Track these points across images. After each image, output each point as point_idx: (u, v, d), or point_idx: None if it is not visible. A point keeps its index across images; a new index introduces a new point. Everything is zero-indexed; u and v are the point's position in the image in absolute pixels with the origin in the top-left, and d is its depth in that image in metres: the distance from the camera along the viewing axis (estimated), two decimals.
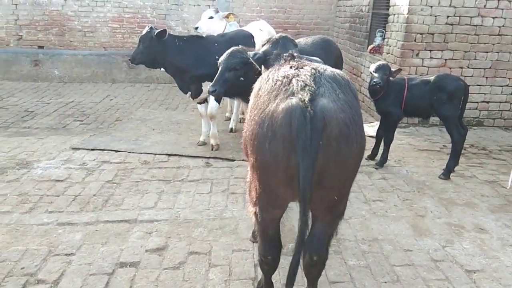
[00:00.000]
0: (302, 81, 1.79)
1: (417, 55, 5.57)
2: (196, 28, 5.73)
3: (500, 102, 5.84)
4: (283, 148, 1.73)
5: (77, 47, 8.84)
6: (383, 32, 6.70)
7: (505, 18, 5.43)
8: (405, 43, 5.52)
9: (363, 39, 7.20)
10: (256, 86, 2.11)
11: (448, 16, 5.42)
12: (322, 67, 1.97)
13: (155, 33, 4.37)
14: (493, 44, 5.54)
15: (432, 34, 5.48)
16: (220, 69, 3.44)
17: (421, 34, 5.48)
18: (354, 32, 7.61)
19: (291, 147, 1.70)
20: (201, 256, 2.87)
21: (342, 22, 8.39)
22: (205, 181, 4.07)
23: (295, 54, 2.45)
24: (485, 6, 5.38)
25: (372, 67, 4.15)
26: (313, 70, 1.88)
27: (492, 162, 4.70)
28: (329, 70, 1.94)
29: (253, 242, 3.02)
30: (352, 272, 2.70)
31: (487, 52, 5.58)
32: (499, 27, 5.48)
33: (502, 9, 5.41)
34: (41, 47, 8.77)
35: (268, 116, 1.76)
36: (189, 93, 4.74)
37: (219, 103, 4.79)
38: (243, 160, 4.53)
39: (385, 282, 2.62)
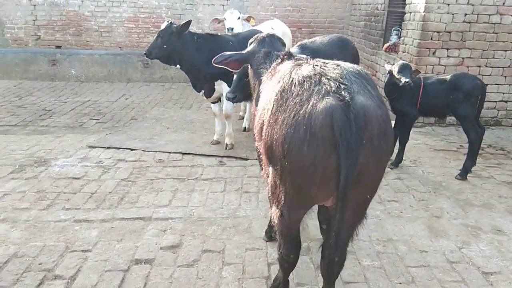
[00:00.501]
0: (334, 79, 1.77)
1: (433, 53, 5.49)
2: (232, 29, 5.68)
3: None
4: (324, 150, 1.71)
5: (93, 47, 8.98)
6: (398, 31, 6.61)
7: None
8: (422, 41, 5.45)
9: (378, 38, 7.13)
10: (270, 88, 2.08)
11: (465, 14, 5.32)
12: (343, 63, 1.95)
13: (175, 28, 4.39)
14: (511, 42, 5.42)
15: (449, 32, 5.39)
16: (237, 74, 3.46)
17: (438, 32, 5.39)
18: (370, 30, 7.55)
19: (332, 148, 1.69)
20: (215, 254, 2.89)
21: (357, 21, 8.32)
22: (218, 179, 4.09)
23: (292, 53, 2.46)
24: (504, 3, 5.27)
25: (396, 67, 4.06)
26: (338, 67, 1.86)
27: (510, 163, 4.60)
28: (351, 65, 1.92)
29: (267, 241, 3.03)
30: (367, 273, 2.68)
31: (505, 50, 5.46)
32: None
33: None
34: (58, 47, 8.94)
35: (304, 118, 1.72)
36: (202, 91, 4.77)
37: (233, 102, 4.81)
38: (256, 159, 4.55)
39: (400, 283, 2.60)
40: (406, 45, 5.84)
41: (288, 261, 2.21)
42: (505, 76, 5.57)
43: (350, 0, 8.77)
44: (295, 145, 1.74)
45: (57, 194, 3.69)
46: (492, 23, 5.36)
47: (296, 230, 2.12)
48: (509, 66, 5.51)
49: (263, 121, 2.04)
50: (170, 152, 4.77)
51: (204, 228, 3.21)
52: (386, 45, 6.71)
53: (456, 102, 3.98)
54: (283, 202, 1.94)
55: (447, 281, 2.62)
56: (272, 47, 2.80)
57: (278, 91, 1.91)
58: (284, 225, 2.04)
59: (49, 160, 4.42)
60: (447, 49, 5.48)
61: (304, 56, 2.37)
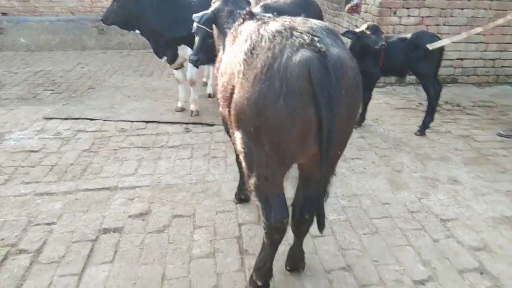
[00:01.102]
0: (306, 32, 1.71)
1: (394, 13, 5.54)
2: None
3: (474, 59, 5.93)
4: (302, 102, 1.65)
5: (43, 13, 8.39)
6: None
7: None
8: (383, 1, 5.47)
9: None
10: (236, 49, 2.00)
11: None
12: (311, 19, 1.90)
13: None
14: (469, 1, 5.55)
15: None
16: (199, 35, 3.34)
17: None
18: None
19: (309, 100, 1.65)
20: (185, 218, 2.89)
21: None
22: (185, 146, 4.04)
23: (254, 13, 2.39)
24: None
25: (367, 29, 4.01)
26: (307, 22, 1.80)
27: (466, 118, 4.82)
28: (318, 21, 1.87)
29: (237, 203, 3.06)
30: (333, 226, 2.78)
31: (462, 9, 5.59)
32: None
33: None
34: (4, 14, 8.28)
35: (279, 71, 1.66)
36: (165, 58, 4.61)
37: (197, 67, 4.69)
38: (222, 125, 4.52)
39: (365, 234, 2.72)
40: (368, 5, 5.84)
41: (280, 229, 2.01)
42: None
43: None
44: (270, 100, 1.67)
45: (15, 168, 3.53)
46: None
47: (283, 190, 2.01)
48: (466, 24, 5.65)
49: (232, 85, 1.97)
50: (132, 121, 4.63)
51: (173, 194, 3.19)
52: (348, 6, 6.67)
53: (416, 60, 4.06)
54: (264, 165, 1.86)
55: (408, 229, 2.77)
56: (236, 6, 2.71)
57: (247, 49, 1.83)
58: (270, 189, 1.95)
59: (3, 134, 4.19)
60: (408, 8, 5.54)
61: (268, 15, 2.30)
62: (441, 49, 4.13)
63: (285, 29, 1.77)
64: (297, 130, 1.72)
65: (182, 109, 4.96)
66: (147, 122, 4.63)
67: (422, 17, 5.60)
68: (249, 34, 1.93)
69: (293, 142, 1.76)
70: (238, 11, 2.63)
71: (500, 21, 4.10)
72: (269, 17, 2.15)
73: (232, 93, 1.96)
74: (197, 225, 2.82)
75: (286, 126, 1.70)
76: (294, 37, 1.71)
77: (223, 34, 2.67)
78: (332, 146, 1.71)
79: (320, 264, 2.44)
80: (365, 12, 5.92)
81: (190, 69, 4.63)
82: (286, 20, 1.88)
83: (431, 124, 4.35)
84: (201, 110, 4.91)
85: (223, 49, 2.53)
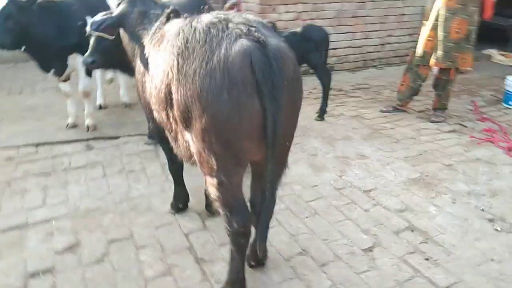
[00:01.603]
0: (242, 23, 1.69)
1: (274, 10, 5.87)
2: None
3: (345, 48, 6.65)
4: (246, 94, 1.61)
5: None
6: None
7: None
8: None
9: None
10: (166, 47, 1.90)
11: None
12: (239, 13, 1.89)
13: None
14: None
15: None
16: (94, 37, 3.06)
17: None
18: None
19: (253, 91, 1.61)
20: (124, 241, 2.64)
21: None
22: (93, 165, 3.66)
23: (179, 10, 2.33)
24: None
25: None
26: (240, 14, 1.80)
27: (351, 100, 5.41)
28: (249, 15, 1.88)
29: (175, 213, 2.92)
30: (277, 216, 2.86)
31: (331, 3, 6.22)
32: None
33: None
34: None
35: (220, 63, 1.60)
36: (53, 70, 4.06)
37: (91, 77, 4.27)
38: (128, 136, 4.23)
39: (306, 217, 2.87)
40: (248, 3, 6.07)
41: (244, 233, 1.95)
42: (333, 26, 6.35)
43: None
44: (214, 94, 1.61)
45: None
46: None
47: (241, 193, 1.92)
48: (335, 17, 6.30)
49: (166, 84, 1.86)
50: (19, 146, 4.01)
51: (98, 219, 2.88)
52: (226, 5, 6.82)
53: (309, 52, 4.39)
54: (216, 167, 1.77)
55: (341, 205, 3.02)
56: (145, 6, 2.57)
57: (181, 43, 1.75)
58: (228, 192, 1.85)
59: None
60: (286, 4, 5.93)
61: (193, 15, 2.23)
62: (328, 40, 4.54)
63: (220, 21, 1.74)
64: (246, 124, 1.67)
65: (75, 125, 4.47)
66: (37, 145, 4.06)
67: (299, 12, 6.06)
68: (179, 28, 1.85)
69: (243, 137, 1.72)
70: (153, 11, 2.51)
71: None
72: (197, 15, 2.10)
73: (169, 93, 1.86)
74: (139, 246, 2.60)
75: (234, 121, 1.65)
76: (230, 28, 1.68)
77: (136, 37, 2.51)
78: (278, 138, 1.69)
79: (278, 253, 2.51)
80: (247, 10, 6.14)
81: (82, 80, 4.19)
82: (218, 13, 1.86)
83: (327, 109, 4.77)
84: (97, 123, 4.49)
85: (141, 52, 2.38)
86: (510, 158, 3.71)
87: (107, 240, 2.65)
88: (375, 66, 6.95)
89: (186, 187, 2.94)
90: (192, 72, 1.66)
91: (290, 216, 2.89)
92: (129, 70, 3.53)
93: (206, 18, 1.79)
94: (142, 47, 2.38)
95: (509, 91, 5.11)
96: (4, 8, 3.54)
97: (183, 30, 1.80)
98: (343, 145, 4.02)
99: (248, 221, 1.94)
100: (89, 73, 4.17)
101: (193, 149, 1.85)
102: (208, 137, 1.71)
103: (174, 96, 1.78)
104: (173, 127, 2.01)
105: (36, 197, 3.15)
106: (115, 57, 3.13)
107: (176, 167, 2.78)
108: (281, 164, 2.01)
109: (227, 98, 1.61)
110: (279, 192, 3.11)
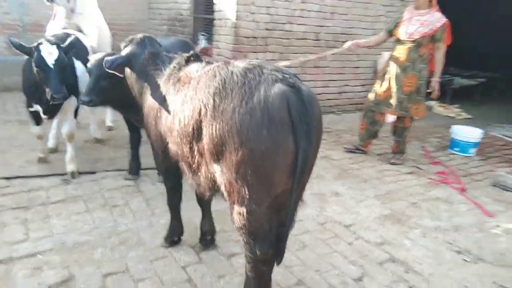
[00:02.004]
0: (276, 70, 1.89)
1: (245, 56, 6.24)
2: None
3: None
4: (283, 133, 1.78)
5: None
6: (205, 35, 7.16)
7: (306, 25, 6.67)
8: (235, 45, 6.11)
9: None
10: (199, 85, 2.06)
11: (267, 23, 6.27)
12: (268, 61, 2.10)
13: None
14: (300, 46, 6.74)
15: (256, 38, 6.25)
16: (93, 76, 3.19)
17: (247, 37, 6.16)
18: (175, 35, 7.80)
19: (289, 130, 1.78)
20: (120, 275, 2.62)
21: (159, 25, 8.45)
22: (74, 199, 3.58)
23: (199, 55, 2.54)
24: (292, 15, 6.48)
25: None
26: (268, 63, 2.02)
27: (333, 139, 5.77)
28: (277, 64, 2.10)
29: (168, 247, 2.94)
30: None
31: (296, 53, 6.73)
32: (303, 32, 6.69)
33: (304, 17, 6.62)
34: None
35: (260, 103, 1.77)
36: (38, 107, 3.82)
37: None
38: (105, 171, 4.19)
39: (297, 250, 3.02)
40: (220, 49, 6.40)
41: (266, 261, 2.06)
42: (297, 74, 6.81)
43: (147, 4, 8.79)
44: (254, 130, 1.77)
45: None
46: (286, 31, 6.51)
47: (267, 222, 2.02)
48: (298, 67, 6.80)
49: (196, 119, 2.01)
50: None
51: (89, 253, 2.82)
52: (197, 49, 7.13)
53: None
54: (248, 196, 1.88)
55: (326, 239, 3.21)
56: (155, 48, 2.76)
57: (218, 84, 1.92)
58: (256, 221, 1.95)
59: None
60: (255, 52, 6.33)
61: (211, 58, 2.44)
62: None
63: (254, 67, 1.94)
64: (281, 159, 1.83)
65: (45, 160, 4.33)
66: (8, 178, 3.88)
67: (267, 60, 6.48)
68: (214, 71, 2.03)
69: (277, 171, 1.86)
70: (165, 54, 2.70)
71: (334, 50, 5.25)
72: (218, 60, 2.31)
73: (198, 128, 2.01)
74: (137, 279, 2.59)
75: (271, 156, 1.81)
76: (265, 74, 1.88)
77: (147, 76, 2.66)
78: (306, 174, 1.91)
79: (277, 285, 2.61)
80: (218, 55, 6.47)
81: (70, 121, 4.06)
82: (247, 61, 2.07)
83: None
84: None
85: (156, 90, 2.52)
86: (464, 198, 4.17)
87: (102, 274, 2.61)
88: (333, 112, 7.49)
89: None
90: (231, 110, 1.83)
91: None
92: (123, 107, 3.62)
93: (241, 64, 2.00)
94: (156, 85, 2.52)
95: (455, 139, 5.77)
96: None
97: (219, 73, 1.98)
98: (317, 184, 4.28)
99: (272, 249, 2.06)
100: (75, 115, 4.13)
101: (222, 179, 1.96)
102: (243, 169, 1.84)
103: (207, 130, 1.93)
104: (196, 160, 2.13)
105: (17, 231, 3.02)
106: (111, 95, 3.26)
107: (177, 200, 2.84)
108: (301, 195, 2.18)
109: (266, 134, 1.78)
110: None
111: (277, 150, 1.81)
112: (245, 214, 1.93)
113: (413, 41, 4.67)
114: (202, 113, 1.96)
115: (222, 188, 2.01)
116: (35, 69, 3.40)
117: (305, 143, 1.81)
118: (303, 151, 1.81)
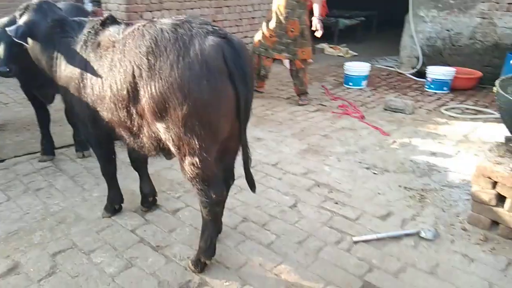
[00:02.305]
0: (204, 23, 1.97)
1: (141, 16, 5.99)
2: None
3: None
4: (222, 81, 1.90)
5: None
6: None
7: None
8: (128, 6, 5.81)
9: None
10: (126, 47, 2.06)
11: None
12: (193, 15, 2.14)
13: None
14: (195, 1, 6.65)
15: None
16: (4, 44, 2.91)
17: None
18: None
19: (227, 79, 1.91)
20: (69, 251, 2.59)
21: None
22: None
23: (115, 17, 2.48)
24: None
25: None
26: (194, 17, 2.06)
27: None
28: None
29: (110, 216, 2.95)
30: None
31: (192, 8, 6.64)
32: None
33: None
34: None
35: (197, 56, 1.84)
36: None
37: None
38: (15, 157, 3.89)
39: (235, 193, 3.26)
40: (111, 10, 6.03)
41: (220, 202, 2.29)
42: None
43: None
44: (195, 83, 1.85)
45: None
46: None
47: (217, 168, 2.18)
48: None
49: (129, 82, 2.02)
50: None
51: (28, 238, 2.72)
52: None
53: None
54: (198, 146, 1.98)
55: (259, 179, 3.48)
56: (57, 15, 2.60)
57: (150, 43, 1.94)
58: (208, 168, 2.07)
59: None
60: (150, 11, 6.10)
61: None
62: None
63: (183, 23, 1.98)
64: (223, 106, 1.97)
65: None
66: None
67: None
68: (141, 31, 2.04)
69: (221, 117, 2.00)
70: (76, 19, 2.57)
71: None
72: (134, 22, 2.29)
73: (133, 90, 2.05)
74: (88, 251, 2.60)
75: (214, 104, 1.93)
76: (196, 28, 1.95)
77: (54, 46, 2.53)
78: (249, 116, 2.09)
79: (225, 225, 2.83)
80: None
81: None
82: (173, 17, 2.08)
83: None
84: None
85: (75, 59, 2.41)
86: (364, 124, 4.78)
87: (49, 254, 2.56)
88: None
89: None
90: (169, 66, 1.88)
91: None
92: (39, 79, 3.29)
93: (167, 20, 2.02)
94: (72, 54, 2.40)
95: (348, 75, 6.41)
96: None
97: (148, 32, 1.98)
98: None
99: (224, 190, 2.27)
100: None
101: (169, 135, 2.03)
102: (190, 121, 1.93)
103: (145, 91, 1.97)
104: (136, 122, 2.15)
105: None
106: (29, 63, 2.92)
107: (112, 169, 2.83)
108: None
109: (207, 85, 1.88)
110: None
111: (219, 98, 1.94)
112: (198, 164, 2.05)
113: None
114: (137, 74, 1.98)
115: (170, 144, 2.08)
116: None
117: (244, 88, 1.97)
118: (243, 95, 1.97)
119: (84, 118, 2.52)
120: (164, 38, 1.93)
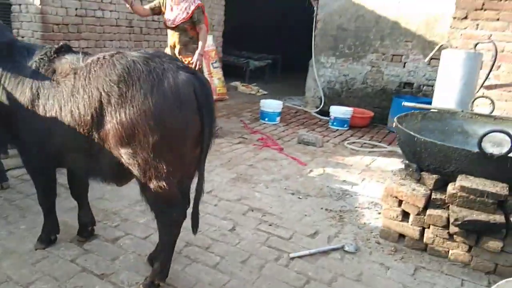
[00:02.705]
0: (171, 59, 2.17)
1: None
2: None
3: None
4: (192, 112, 2.09)
5: None
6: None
7: (119, 12, 6.60)
8: (45, 33, 5.60)
9: None
10: (96, 74, 2.13)
11: (76, 8, 5.93)
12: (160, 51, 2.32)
13: None
14: (115, 34, 6.65)
15: (67, 24, 5.86)
16: None
17: (57, 24, 5.71)
18: None
19: (195, 110, 2.10)
20: (4, 285, 2.41)
21: None
22: None
23: (70, 46, 2.53)
24: (102, 1, 6.31)
25: None
26: (161, 52, 2.25)
27: None
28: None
29: (44, 248, 2.81)
30: (152, 225, 3.21)
31: (112, 40, 6.62)
32: (116, 19, 6.61)
33: (114, 3, 6.51)
34: None
35: (171, 88, 2.03)
36: None
37: None
38: None
39: None
40: (24, 37, 5.73)
41: (180, 224, 2.37)
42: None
43: None
44: (168, 112, 2.03)
45: None
46: (98, 17, 6.28)
47: (179, 190, 2.31)
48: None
49: (95, 108, 2.11)
50: None
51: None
52: None
53: None
54: (166, 170, 2.11)
55: None
56: (6, 38, 2.54)
57: (122, 73, 2.05)
58: (172, 191, 2.21)
59: None
60: (68, 40, 5.92)
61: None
62: None
63: (152, 56, 2.17)
64: (191, 134, 2.16)
65: None
66: None
67: (82, 48, 6.17)
68: (111, 61, 2.15)
69: (188, 145, 2.18)
70: (19, 44, 2.54)
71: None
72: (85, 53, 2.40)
73: (98, 116, 2.14)
74: (26, 283, 2.45)
75: (183, 132, 2.12)
76: (166, 63, 2.15)
77: (1, 68, 2.47)
78: (210, 146, 2.29)
79: None
80: None
81: None
82: (141, 50, 2.25)
83: None
84: None
85: (25, 85, 2.37)
86: (283, 155, 5.24)
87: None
88: None
89: None
90: (142, 95, 2.02)
91: None
92: None
93: (135, 53, 2.17)
94: (21, 80, 2.36)
95: (264, 111, 6.94)
96: None
97: (119, 62, 2.09)
98: None
99: (185, 212, 2.40)
100: None
101: (135, 160, 2.13)
102: (160, 147, 2.07)
103: (112, 117, 2.07)
104: (98, 147, 2.20)
105: None
106: None
107: (53, 197, 2.74)
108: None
109: (179, 115, 2.07)
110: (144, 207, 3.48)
111: (188, 127, 2.14)
112: (165, 186, 2.17)
113: (177, 27, 5.03)
114: (104, 100, 2.08)
115: (134, 168, 2.18)
116: None
117: (209, 119, 2.19)
118: (208, 125, 2.19)
119: (31, 145, 2.44)
120: (137, 69, 2.08)
